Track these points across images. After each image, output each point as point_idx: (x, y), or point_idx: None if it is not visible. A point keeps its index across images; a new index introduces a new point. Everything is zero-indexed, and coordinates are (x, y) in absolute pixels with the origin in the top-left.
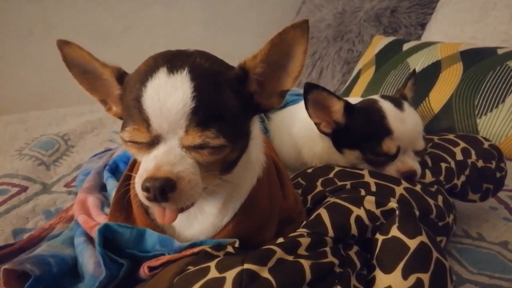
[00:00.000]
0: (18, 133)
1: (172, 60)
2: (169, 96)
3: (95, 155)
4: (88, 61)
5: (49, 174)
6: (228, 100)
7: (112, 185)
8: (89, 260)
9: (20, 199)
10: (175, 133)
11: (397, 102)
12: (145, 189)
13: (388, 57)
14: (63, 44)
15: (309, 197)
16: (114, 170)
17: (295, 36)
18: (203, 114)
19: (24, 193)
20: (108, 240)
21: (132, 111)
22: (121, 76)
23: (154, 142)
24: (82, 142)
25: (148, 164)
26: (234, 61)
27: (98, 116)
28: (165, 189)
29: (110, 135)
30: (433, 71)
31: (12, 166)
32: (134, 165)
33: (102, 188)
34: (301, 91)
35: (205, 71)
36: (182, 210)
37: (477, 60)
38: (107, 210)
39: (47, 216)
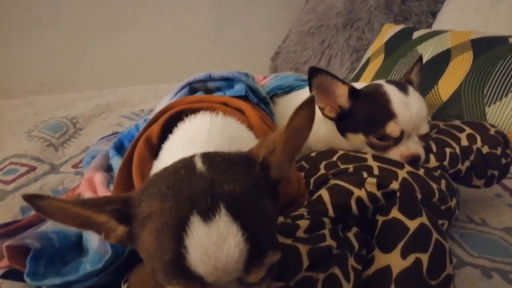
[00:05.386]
0: (27, 116)
1: (198, 202)
2: (220, 251)
3: (102, 138)
4: (74, 213)
5: (57, 155)
6: (269, 210)
7: (117, 163)
8: (94, 237)
9: (29, 178)
10: (232, 277)
11: (402, 87)
12: None
13: (398, 45)
14: (34, 199)
15: (312, 180)
16: (119, 148)
17: (303, 117)
18: (258, 248)
19: (33, 173)
20: None
21: (175, 273)
22: (124, 216)
23: None
24: (90, 126)
25: None
26: (241, 53)
27: (106, 101)
28: None
29: (118, 119)
30: (442, 60)
31: (21, 146)
32: (136, 143)
33: (109, 169)
34: (306, 77)
35: (241, 198)
36: None
37: (488, 48)
38: None
39: (54, 194)
